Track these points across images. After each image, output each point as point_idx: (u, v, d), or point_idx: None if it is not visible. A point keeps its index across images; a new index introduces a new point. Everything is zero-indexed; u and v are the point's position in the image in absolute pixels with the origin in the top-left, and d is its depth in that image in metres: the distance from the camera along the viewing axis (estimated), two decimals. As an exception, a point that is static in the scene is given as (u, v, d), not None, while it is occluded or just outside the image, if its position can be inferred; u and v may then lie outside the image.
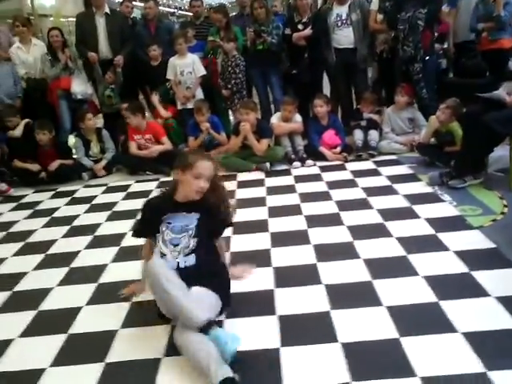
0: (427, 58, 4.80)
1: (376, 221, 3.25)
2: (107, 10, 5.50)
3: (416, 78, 4.81)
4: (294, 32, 5.25)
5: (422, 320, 2.15)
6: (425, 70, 4.80)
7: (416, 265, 2.61)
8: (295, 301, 2.40)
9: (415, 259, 2.67)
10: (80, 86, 5.52)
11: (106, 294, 2.68)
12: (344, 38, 5.16)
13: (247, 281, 2.60)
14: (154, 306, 2.19)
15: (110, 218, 3.85)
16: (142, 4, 6.89)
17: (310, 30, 5.17)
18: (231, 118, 5.81)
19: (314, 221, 3.33)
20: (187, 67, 5.32)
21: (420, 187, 3.82)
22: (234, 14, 6.47)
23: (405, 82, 4.85)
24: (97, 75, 5.53)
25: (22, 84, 5.52)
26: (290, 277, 2.63)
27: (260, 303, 2.42)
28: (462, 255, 2.67)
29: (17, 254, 3.37)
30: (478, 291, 2.32)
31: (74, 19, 6.05)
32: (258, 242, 3.10)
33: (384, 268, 2.62)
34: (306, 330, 2.18)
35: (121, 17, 5.83)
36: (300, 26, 5.24)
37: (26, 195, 4.67)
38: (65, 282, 2.88)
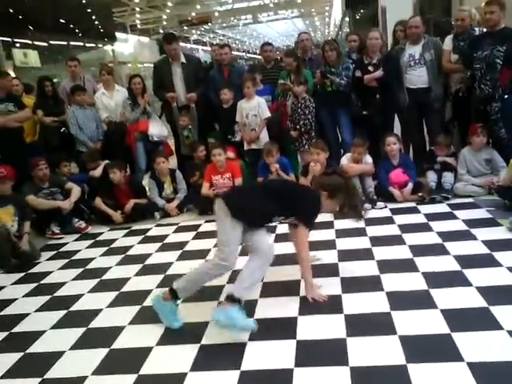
0: (506, 96, 4.61)
1: (454, 268, 3.08)
2: (183, 59, 5.77)
3: (494, 118, 4.62)
4: (364, 74, 5.24)
5: (508, 381, 1.98)
6: (503, 110, 4.60)
7: (499, 318, 2.43)
8: (368, 352, 2.29)
9: (498, 312, 2.49)
10: (156, 129, 5.78)
11: (176, 335, 2.70)
12: (417, 77, 5.10)
13: (318, 328, 2.55)
14: None
15: (180, 258, 3.93)
16: (210, 48, 7.25)
17: (382, 71, 5.14)
18: (299, 159, 5.82)
19: (387, 266, 3.21)
20: (252, 110, 5.44)
21: (500, 233, 3.59)
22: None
23: (480, 122, 4.68)
24: (176, 117, 5.77)
25: (103, 127, 5.88)
26: (362, 325, 2.53)
27: (331, 352, 2.33)
28: (552, 309, 2.46)
29: (92, 290, 3.50)
30: None
31: (150, 64, 6.42)
32: (328, 286, 3.01)
33: (464, 320, 2.46)
34: (381, 382, 2.07)
35: (195, 62, 6.10)
36: (370, 68, 5.23)
37: (102, 233, 4.88)
38: (136, 320, 2.95)
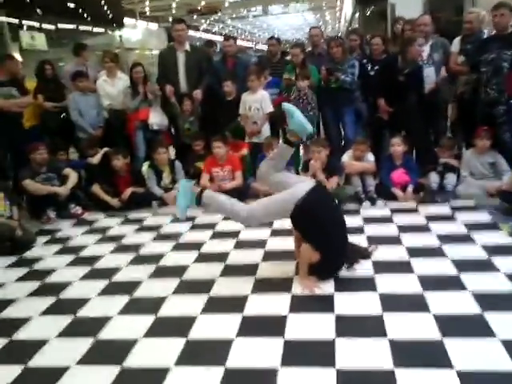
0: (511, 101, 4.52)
1: (450, 272, 3.02)
2: (187, 47, 5.71)
3: (500, 121, 4.54)
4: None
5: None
6: (509, 113, 4.52)
7: (493, 325, 2.37)
8: (357, 354, 2.24)
9: (492, 319, 2.43)
10: (157, 118, 5.72)
11: (164, 328, 2.66)
12: (425, 78, 5.01)
13: (307, 327, 2.50)
14: None
15: (174, 249, 3.88)
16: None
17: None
18: (301, 153, 5.76)
19: (382, 267, 3.15)
20: (255, 103, 5.37)
21: (501, 238, 3.52)
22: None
23: (486, 125, 4.59)
24: (175, 110, 5.70)
25: (105, 114, 5.82)
26: (352, 327, 2.48)
27: (319, 353, 2.28)
28: (549, 319, 2.40)
29: (83, 278, 3.46)
30: None
31: (157, 52, 6.35)
32: (320, 285, 2.96)
33: (457, 326, 2.40)
34: (367, 388, 2.02)
35: (200, 53, 6.02)
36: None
37: (98, 220, 4.84)
38: (125, 311, 2.90)
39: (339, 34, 18.68)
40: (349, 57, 5.40)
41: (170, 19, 19.71)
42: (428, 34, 5.13)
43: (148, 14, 22.97)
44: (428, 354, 2.20)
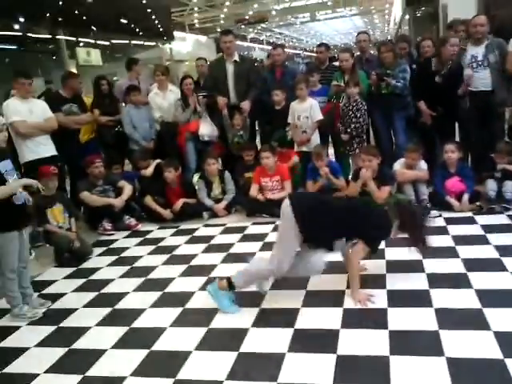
0: None
1: (511, 287, 2.88)
2: (236, 57, 5.77)
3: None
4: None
5: None
6: None
7: (561, 345, 2.24)
8: (412, 373, 2.18)
9: (560, 338, 2.30)
10: (207, 129, 5.80)
11: (216, 341, 2.69)
12: (480, 80, 4.84)
13: (360, 343, 2.45)
14: None
15: (225, 260, 3.91)
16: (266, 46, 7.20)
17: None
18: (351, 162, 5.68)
19: (437, 280, 3.05)
20: (304, 112, 5.35)
21: None
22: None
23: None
24: (225, 122, 5.78)
25: (156, 127, 5.97)
26: (407, 344, 2.41)
27: (372, 370, 2.24)
28: None
29: (137, 289, 3.55)
30: None
31: (207, 63, 6.47)
32: (373, 298, 2.90)
33: (520, 345, 2.29)
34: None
35: (249, 63, 6.07)
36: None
37: (152, 231, 4.95)
38: (178, 323, 2.95)
39: (389, 38, 18.36)
40: (399, 61, 5.30)
41: (218, 30, 20.05)
42: (484, 34, 4.95)
43: (197, 25, 23.47)
44: (489, 375, 2.11)
